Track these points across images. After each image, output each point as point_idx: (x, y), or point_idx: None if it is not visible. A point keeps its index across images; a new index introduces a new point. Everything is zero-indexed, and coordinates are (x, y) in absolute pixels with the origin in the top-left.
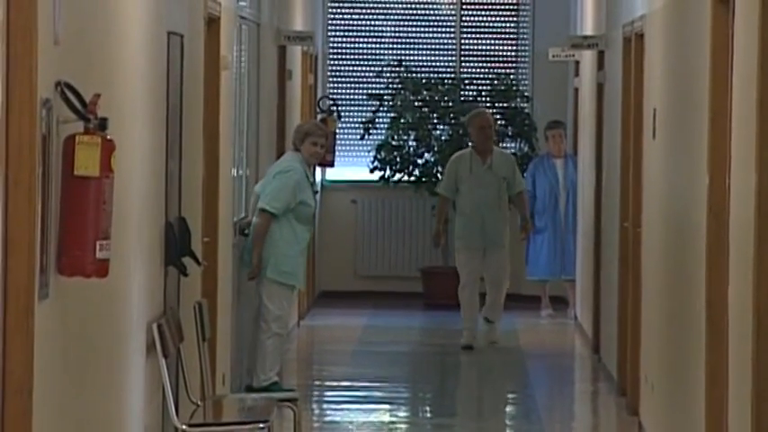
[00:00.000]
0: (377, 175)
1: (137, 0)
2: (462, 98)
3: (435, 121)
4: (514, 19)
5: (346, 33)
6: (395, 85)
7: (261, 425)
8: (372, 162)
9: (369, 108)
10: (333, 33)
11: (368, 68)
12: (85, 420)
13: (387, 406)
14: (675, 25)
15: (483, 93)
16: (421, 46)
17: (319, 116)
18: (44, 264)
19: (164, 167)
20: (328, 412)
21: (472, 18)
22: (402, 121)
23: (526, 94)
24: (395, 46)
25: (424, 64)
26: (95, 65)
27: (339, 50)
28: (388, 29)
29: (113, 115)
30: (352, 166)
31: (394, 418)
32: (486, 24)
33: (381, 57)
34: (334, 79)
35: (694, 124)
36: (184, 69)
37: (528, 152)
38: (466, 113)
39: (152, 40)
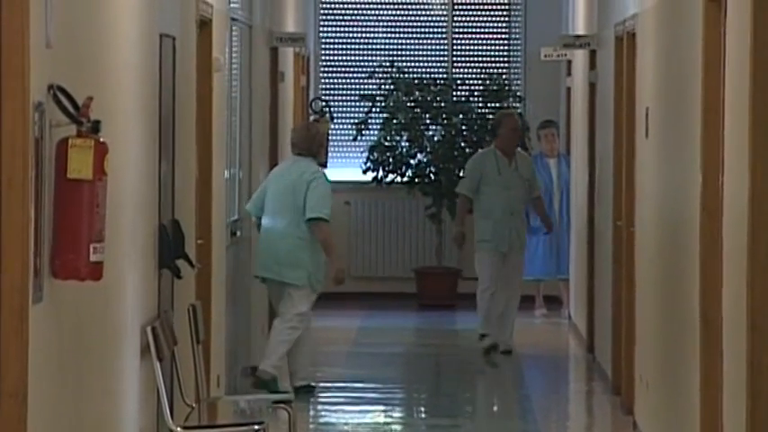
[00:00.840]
0: (370, 175)
1: (129, 3)
2: (455, 98)
3: (428, 121)
4: (506, 19)
5: (338, 35)
6: (387, 86)
7: (256, 426)
8: (365, 163)
9: (361, 109)
10: (325, 35)
11: (360, 69)
12: (80, 424)
13: (381, 407)
14: (668, 24)
15: (475, 93)
16: (413, 46)
17: (312, 117)
18: (38, 267)
19: (157, 170)
20: (323, 413)
21: (464, 18)
22: (394, 121)
23: (518, 93)
24: (387, 47)
25: (416, 65)
26: (88, 68)
27: (331, 52)
28: (380, 30)
29: (106, 118)
30: (345, 167)
31: (389, 419)
32: (478, 24)
33: (373, 58)
34: (327, 80)
35: (687, 123)
36: (177, 71)
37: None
38: (458, 114)
39: (144, 42)
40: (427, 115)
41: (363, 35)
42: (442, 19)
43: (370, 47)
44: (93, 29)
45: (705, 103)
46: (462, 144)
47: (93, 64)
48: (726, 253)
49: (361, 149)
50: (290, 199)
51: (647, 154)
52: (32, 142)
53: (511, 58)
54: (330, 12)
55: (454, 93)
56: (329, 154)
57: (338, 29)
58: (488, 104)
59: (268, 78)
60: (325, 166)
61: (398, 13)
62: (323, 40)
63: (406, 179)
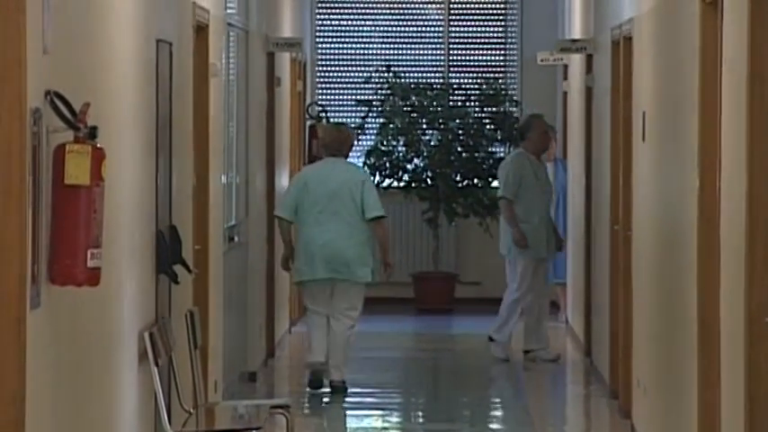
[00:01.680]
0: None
1: (125, 8)
2: (451, 103)
3: (424, 126)
4: (502, 23)
5: (335, 39)
6: (383, 91)
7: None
8: (362, 167)
9: (358, 114)
10: (321, 40)
11: (356, 74)
12: (78, 429)
13: (379, 412)
14: (664, 28)
15: (472, 98)
16: (409, 51)
17: (308, 122)
18: (35, 273)
19: (154, 175)
20: (321, 418)
21: (460, 23)
22: (391, 126)
23: (515, 98)
24: (383, 52)
25: (413, 69)
26: (85, 74)
27: (328, 57)
28: (377, 35)
29: (103, 124)
30: None
31: (387, 424)
32: (475, 29)
33: (370, 62)
34: (323, 85)
35: (684, 127)
36: (173, 77)
37: None
38: (455, 119)
39: (141, 48)
40: (424, 120)
41: (360, 40)
42: (439, 24)
43: (366, 52)
44: (90, 35)
45: (702, 107)
46: (459, 149)
47: (90, 70)
48: (723, 257)
49: (358, 154)
50: (348, 199)
51: (643, 158)
52: (29, 148)
53: (507, 63)
54: (326, 17)
55: (451, 97)
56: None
57: (335, 34)
58: (485, 109)
59: (265, 83)
60: None
61: (395, 18)
62: (319, 45)
63: (402, 184)
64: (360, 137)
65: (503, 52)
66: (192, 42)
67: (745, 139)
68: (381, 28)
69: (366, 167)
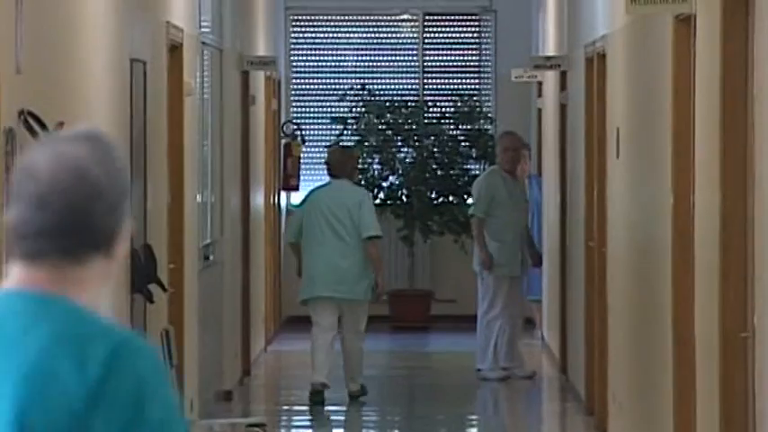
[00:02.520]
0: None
1: (99, 27)
2: (426, 121)
3: (399, 143)
4: (476, 40)
5: (309, 58)
6: (358, 109)
7: None
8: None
9: (333, 132)
10: (295, 58)
11: (331, 92)
12: None
13: (356, 429)
14: (637, 45)
15: (446, 115)
16: (384, 69)
17: (283, 141)
18: None
19: None
20: None
21: (434, 41)
22: (366, 144)
23: (489, 115)
24: (357, 69)
25: (388, 87)
26: (58, 93)
27: (302, 75)
28: (351, 53)
29: None
30: None
31: None
32: (449, 47)
33: (344, 80)
34: (298, 103)
35: (658, 143)
36: (148, 96)
37: None
38: (430, 136)
39: (115, 67)
40: (398, 138)
41: (334, 58)
42: (413, 42)
43: (340, 70)
44: (64, 54)
45: (675, 123)
46: (434, 166)
47: (64, 89)
48: (697, 273)
49: None
50: (347, 220)
51: (618, 174)
52: (3, 168)
53: (481, 80)
54: (301, 35)
55: (425, 115)
56: (301, 177)
57: (309, 52)
58: (459, 126)
59: (239, 102)
60: (297, 189)
61: (369, 36)
62: (294, 64)
63: (377, 201)
64: None
65: (477, 70)
66: (166, 61)
67: (719, 156)
68: (355, 46)
69: None
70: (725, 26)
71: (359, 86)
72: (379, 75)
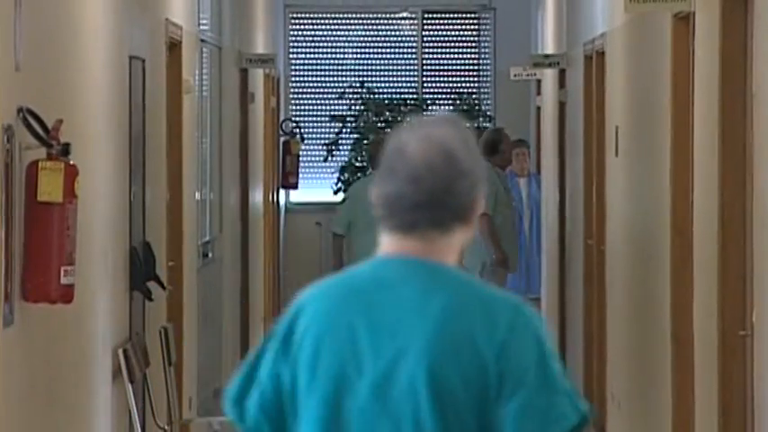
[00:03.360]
0: (341, 196)
1: (98, 25)
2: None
3: None
4: (475, 39)
5: (308, 55)
6: (357, 107)
7: None
8: (336, 183)
9: (332, 130)
10: (295, 55)
11: (330, 90)
12: None
13: None
14: (636, 43)
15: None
16: (383, 67)
17: (282, 138)
18: (8, 290)
19: (127, 192)
20: None
21: (434, 39)
22: (365, 142)
23: (488, 113)
24: (357, 67)
25: (387, 85)
26: (57, 90)
27: (301, 73)
28: (350, 50)
29: (76, 140)
30: (316, 188)
31: None
32: (448, 45)
33: (343, 78)
34: (297, 101)
35: (656, 141)
36: (147, 93)
37: None
38: None
39: (114, 64)
40: None
41: (333, 56)
42: (412, 39)
43: (340, 68)
44: (63, 51)
45: (674, 121)
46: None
47: (63, 86)
48: (696, 271)
49: (332, 170)
50: None
51: (617, 172)
52: (2, 165)
53: (480, 78)
54: (300, 33)
55: (424, 113)
56: (300, 175)
57: (308, 50)
58: None
59: (238, 100)
60: (296, 187)
61: (368, 34)
62: (293, 61)
63: None
64: (333, 153)
65: (476, 68)
66: (165, 59)
67: (718, 154)
68: (355, 44)
69: (340, 183)
70: (724, 24)
71: (358, 84)
72: (378, 73)
